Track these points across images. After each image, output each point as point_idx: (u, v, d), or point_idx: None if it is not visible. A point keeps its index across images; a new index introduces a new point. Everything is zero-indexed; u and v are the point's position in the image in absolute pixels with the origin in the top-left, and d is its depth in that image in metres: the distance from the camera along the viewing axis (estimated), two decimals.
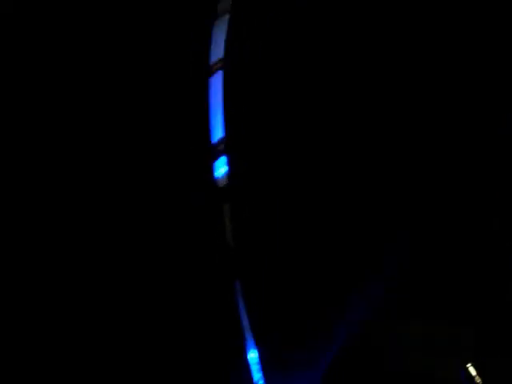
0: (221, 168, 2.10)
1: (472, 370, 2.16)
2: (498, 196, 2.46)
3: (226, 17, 2.20)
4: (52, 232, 2.22)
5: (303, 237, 2.17)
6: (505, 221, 2.43)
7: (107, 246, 2.14)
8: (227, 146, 2.10)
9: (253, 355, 2.07)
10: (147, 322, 2.08)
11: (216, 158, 2.08)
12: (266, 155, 2.15)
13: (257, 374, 2.06)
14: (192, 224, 2.09)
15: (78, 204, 2.20)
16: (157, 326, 2.08)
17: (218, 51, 2.15)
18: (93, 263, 2.15)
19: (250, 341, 2.08)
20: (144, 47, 2.21)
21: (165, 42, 2.21)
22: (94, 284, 2.13)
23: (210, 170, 2.08)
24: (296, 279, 2.16)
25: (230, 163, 2.08)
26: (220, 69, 2.15)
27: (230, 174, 2.07)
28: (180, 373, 2.09)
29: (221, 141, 2.10)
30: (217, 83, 2.13)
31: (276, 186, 2.17)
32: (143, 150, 2.15)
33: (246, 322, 2.08)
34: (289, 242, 2.15)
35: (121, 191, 2.13)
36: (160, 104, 2.16)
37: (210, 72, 2.16)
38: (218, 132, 2.10)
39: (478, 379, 2.15)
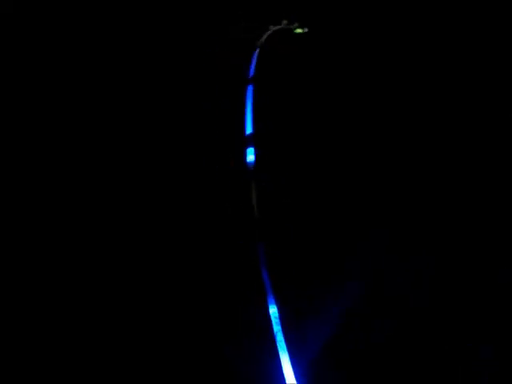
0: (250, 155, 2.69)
1: None
2: (499, 197, 2.47)
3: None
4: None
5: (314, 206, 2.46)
6: (505, 221, 2.43)
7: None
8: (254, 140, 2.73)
9: (272, 310, 2.23)
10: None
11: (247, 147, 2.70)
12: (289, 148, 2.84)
13: (276, 327, 2.23)
14: (226, 194, 2.43)
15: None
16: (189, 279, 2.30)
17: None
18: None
19: (270, 297, 2.24)
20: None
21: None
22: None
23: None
24: (308, 241, 2.36)
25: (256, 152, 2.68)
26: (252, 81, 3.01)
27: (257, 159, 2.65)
28: (205, 325, 2.27)
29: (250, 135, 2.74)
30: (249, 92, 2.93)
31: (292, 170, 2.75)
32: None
33: (267, 280, 2.24)
34: (302, 210, 2.42)
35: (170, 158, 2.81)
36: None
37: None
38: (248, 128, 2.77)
39: None
